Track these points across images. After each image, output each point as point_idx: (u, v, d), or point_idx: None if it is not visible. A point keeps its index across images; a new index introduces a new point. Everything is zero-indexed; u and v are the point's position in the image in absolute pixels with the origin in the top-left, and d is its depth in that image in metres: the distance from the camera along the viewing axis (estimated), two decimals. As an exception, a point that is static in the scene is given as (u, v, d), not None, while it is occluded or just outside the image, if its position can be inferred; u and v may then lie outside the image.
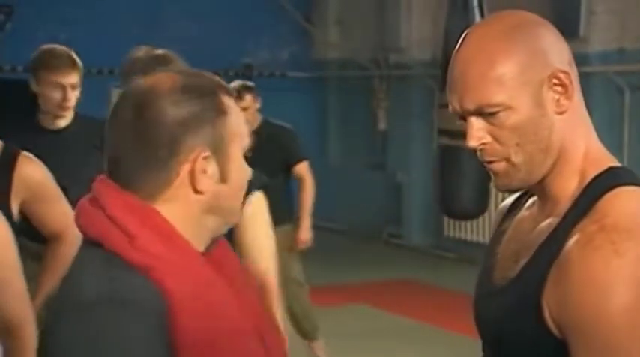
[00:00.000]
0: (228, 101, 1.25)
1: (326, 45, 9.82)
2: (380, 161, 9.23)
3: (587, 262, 1.14)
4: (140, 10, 9.28)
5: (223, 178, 1.23)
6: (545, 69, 1.22)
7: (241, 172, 1.26)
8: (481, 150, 1.25)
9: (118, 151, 1.22)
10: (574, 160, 1.24)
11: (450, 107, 1.27)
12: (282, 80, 9.85)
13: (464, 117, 1.25)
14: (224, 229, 1.29)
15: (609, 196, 1.19)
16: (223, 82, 1.28)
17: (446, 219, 7.93)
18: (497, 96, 1.21)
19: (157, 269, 1.16)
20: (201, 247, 1.25)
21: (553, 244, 1.20)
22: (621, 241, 1.13)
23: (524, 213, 1.34)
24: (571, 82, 1.23)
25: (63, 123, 3.31)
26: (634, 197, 1.19)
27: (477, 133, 1.23)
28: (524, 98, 1.21)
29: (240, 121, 1.26)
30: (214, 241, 1.30)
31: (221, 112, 1.22)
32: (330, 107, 9.97)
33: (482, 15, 4.66)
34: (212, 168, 1.22)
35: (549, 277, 1.18)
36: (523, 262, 1.25)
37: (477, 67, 1.22)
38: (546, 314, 1.18)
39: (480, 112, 1.23)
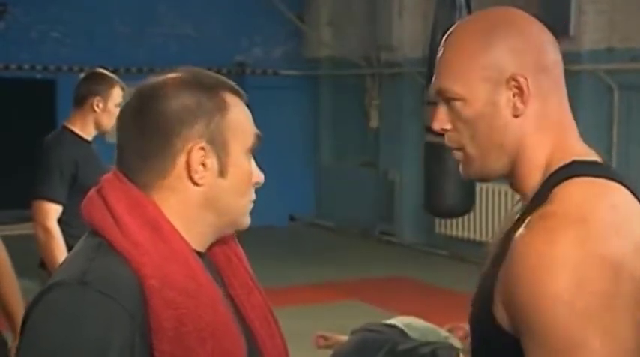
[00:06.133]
0: (231, 99, 1.28)
1: (318, 43, 9.84)
2: (372, 159, 9.27)
3: (523, 249, 1.15)
4: (133, 8, 9.29)
5: (222, 172, 1.26)
6: (507, 70, 1.25)
7: (241, 169, 1.28)
8: (445, 136, 1.31)
9: (122, 140, 1.28)
10: (536, 157, 1.27)
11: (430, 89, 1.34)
12: (275, 78, 9.87)
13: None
14: (229, 229, 1.31)
15: (560, 187, 1.20)
16: (229, 82, 1.31)
17: (433, 216, 7.98)
18: (456, 85, 1.27)
19: (137, 256, 1.19)
20: (199, 242, 1.28)
21: (511, 235, 1.22)
22: (556, 228, 1.14)
23: (515, 208, 1.38)
24: (528, 87, 1.25)
25: None
26: (583, 187, 1.20)
27: (440, 116, 1.30)
28: (480, 93, 1.26)
29: (243, 119, 1.29)
30: (222, 241, 1.34)
31: (221, 107, 1.26)
32: (323, 105, 10.00)
33: (469, 13, 4.70)
34: (211, 161, 1.25)
35: (500, 269, 1.21)
36: (495, 252, 1.28)
37: (448, 54, 1.29)
38: (497, 303, 1.20)
39: (442, 97, 1.29)
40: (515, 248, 1.17)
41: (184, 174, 1.24)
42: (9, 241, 2.82)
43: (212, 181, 1.25)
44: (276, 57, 10.00)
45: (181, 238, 1.24)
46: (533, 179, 1.27)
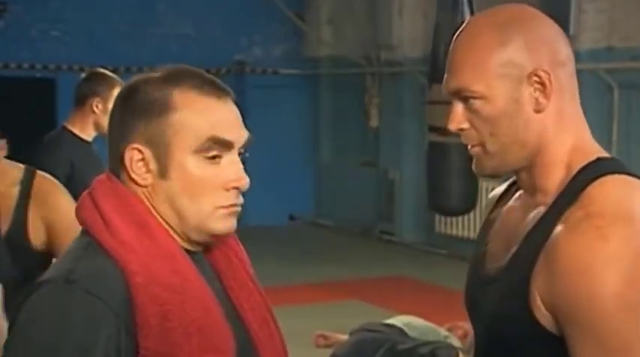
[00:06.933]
0: (185, 99, 1.23)
1: (318, 42, 9.84)
2: (372, 158, 9.27)
3: (573, 248, 1.15)
4: (132, 8, 9.29)
5: (162, 174, 1.23)
6: (527, 66, 1.25)
7: (187, 172, 1.23)
8: (461, 134, 1.29)
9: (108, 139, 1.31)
10: (558, 153, 1.27)
11: (442, 87, 1.32)
12: (275, 77, 9.87)
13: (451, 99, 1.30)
14: (197, 235, 1.26)
15: (595, 184, 1.21)
16: (198, 79, 1.25)
17: (437, 216, 7.97)
18: (476, 84, 1.25)
19: (124, 255, 1.20)
20: (182, 241, 1.26)
21: (541, 232, 1.22)
22: (607, 226, 1.14)
23: (513, 203, 1.37)
24: (551, 82, 1.25)
25: None
26: (620, 184, 1.21)
27: (457, 116, 1.28)
28: (502, 91, 1.25)
29: (193, 121, 1.22)
30: (223, 242, 1.33)
31: (164, 108, 1.22)
32: (323, 104, 9.99)
33: (471, 12, 4.70)
34: (151, 162, 1.23)
35: (537, 264, 1.20)
36: (513, 250, 1.27)
37: (464, 52, 1.27)
38: (537, 303, 1.20)
39: (459, 96, 1.27)
40: (560, 248, 1.17)
41: (127, 174, 1.25)
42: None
43: (155, 183, 1.24)
44: (275, 56, 9.99)
45: (168, 234, 1.24)
46: (553, 176, 1.26)
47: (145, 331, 1.17)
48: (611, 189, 1.20)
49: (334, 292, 6.75)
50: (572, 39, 6.60)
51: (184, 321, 1.19)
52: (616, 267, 1.13)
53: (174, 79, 1.25)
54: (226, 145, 1.24)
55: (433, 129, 4.68)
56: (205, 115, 1.24)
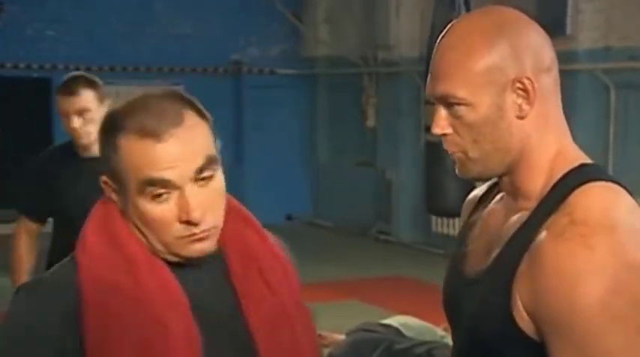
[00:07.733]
0: (126, 144, 1.25)
1: (315, 42, 9.84)
2: (369, 158, 9.27)
3: (558, 255, 1.15)
4: (130, 7, 9.28)
5: (124, 208, 1.29)
6: (511, 73, 1.24)
7: (138, 209, 1.26)
8: (444, 139, 1.29)
9: None
10: (541, 159, 1.27)
11: (426, 90, 1.32)
12: (272, 77, 9.86)
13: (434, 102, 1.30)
14: (172, 258, 1.29)
15: (579, 192, 1.21)
16: (148, 113, 1.25)
17: (434, 216, 7.97)
18: (461, 90, 1.24)
19: (87, 267, 1.26)
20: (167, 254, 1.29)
21: (524, 237, 1.22)
22: (591, 234, 1.15)
23: (494, 206, 1.37)
24: (534, 89, 1.24)
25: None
26: (603, 192, 1.22)
27: (441, 121, 1.28)
28: (486, 98, 1.24)
29: (134, 163, 1.24)
30: (246, 253, 1.36)
31: (115, 152, 1.26)
32: (320, 104, 9.99)
33: (467, 11, 4.71)
34: (118, 194, 1.30)
35: (520, 268, 1.20)
36: (495, 254, 1.27)
37: (450, 57, 1.26)
38: (518, 306, 1.20)
39: (444, 101, 1.27)
40: (543, 254, 1.17)
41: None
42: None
43: (125, 212, 1.30)
44: (273, 56, 9.99)
45: (140, 247, 1.28)
46: (536, 181, 1.27)
47: (92, 344, 1.23)
48: (594, 196, 1.20)
49: (332, 292, 6.75)
50: (569, 39, 6.61)
51: (126, 334, 1.22)
52: (600, 276, 1.13)
53: (126, 116, 1.26)
54: (165, 184, 1.24)
55: (430, 129, 4.68)
56: (141, 160, 1.24)
